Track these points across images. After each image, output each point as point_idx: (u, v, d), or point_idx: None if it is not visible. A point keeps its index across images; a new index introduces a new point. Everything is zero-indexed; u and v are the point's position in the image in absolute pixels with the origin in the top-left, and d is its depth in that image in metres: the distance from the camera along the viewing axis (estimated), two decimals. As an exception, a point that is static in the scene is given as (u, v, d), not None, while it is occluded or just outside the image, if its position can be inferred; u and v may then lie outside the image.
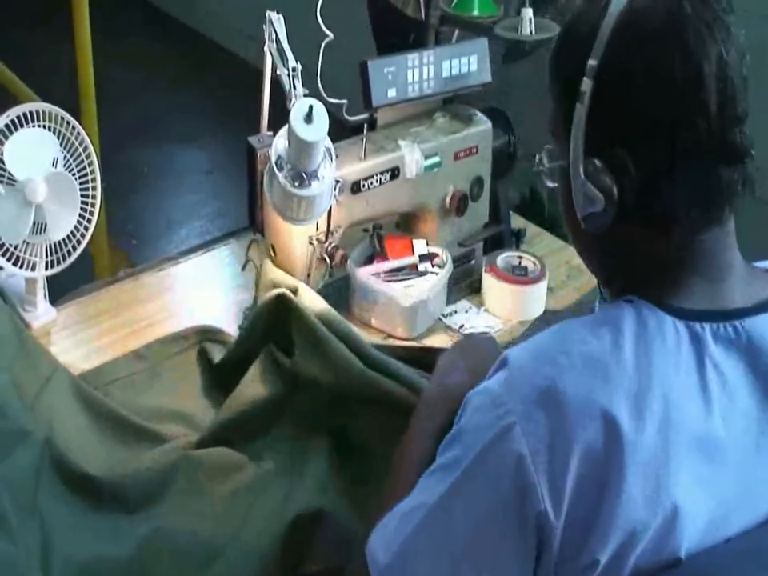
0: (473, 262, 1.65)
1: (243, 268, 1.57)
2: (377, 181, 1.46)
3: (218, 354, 1.40)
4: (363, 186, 1.44)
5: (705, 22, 0.78)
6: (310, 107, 1.21)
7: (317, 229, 1.41)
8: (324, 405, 1.27)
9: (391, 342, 1.44)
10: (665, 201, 0.81)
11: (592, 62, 0.80)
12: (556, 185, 0.91)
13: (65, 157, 1.41)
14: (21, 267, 1.40)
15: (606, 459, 0.76)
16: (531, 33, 1.53)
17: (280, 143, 1.28)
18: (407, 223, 1.61)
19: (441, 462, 0.85)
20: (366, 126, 1.46)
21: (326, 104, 1.28)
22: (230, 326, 1.50)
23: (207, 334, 1.46)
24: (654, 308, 0.82)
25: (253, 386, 1.28)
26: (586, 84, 0.80)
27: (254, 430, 1.26)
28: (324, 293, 1.53)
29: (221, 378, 1.36)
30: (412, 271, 1.54)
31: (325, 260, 1.44)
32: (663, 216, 0.82)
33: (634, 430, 0.76)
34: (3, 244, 1.37)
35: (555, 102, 0.87)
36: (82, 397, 1.28)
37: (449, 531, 0.81)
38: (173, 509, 1.15)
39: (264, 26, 1.43)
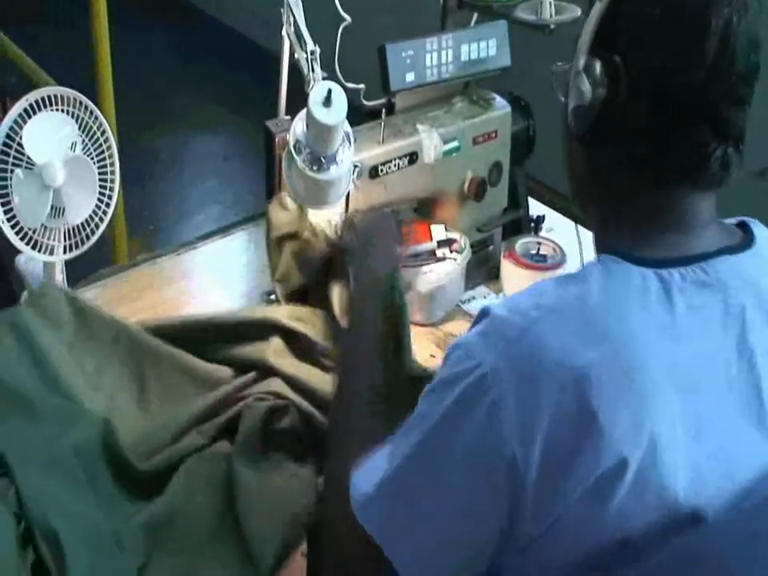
0: (491, 247, 1.64)
1: None
2: (395, 165, 1.45)
3: None
4: (381, 170, 1.44)
5: None
6: (329, 90, 1.21)
7: (335, 213, 1.41)
8: None
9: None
10: (644, 134, 0.84)
11: None
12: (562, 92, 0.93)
13: (83, 141, 1.41)
14: (39, 251, 1.40)
15: (578, 407, 0.77)
16: (551, 15, 1.52)
17: (298, 127, 1.27)
18: (425, 208, 1.60)
19: (420, 410, 0.87)
20: (384, 110, 1.46)
21: (344, 89, 1.27)
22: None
23: None
24: (620, 260, 0.84)
25: None
26: None
27: None
28: (342, 278, 1.53)
29: None
30: (430, 257, 1.54)
31: (342, 245, 1.43)
32: (642, 154, 0.85)
33: (603, 376, 0.78)
34: (22, 228, 1.37)
35: (589, 5, 0.89)
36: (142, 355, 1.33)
37: (427, 475, 0.84)
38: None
39: (281, 10, 1.42)
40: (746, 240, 0.88)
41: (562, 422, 0.78)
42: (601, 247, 0.91)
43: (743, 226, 0.91)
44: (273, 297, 1.50)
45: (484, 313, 0.86)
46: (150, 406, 1.29)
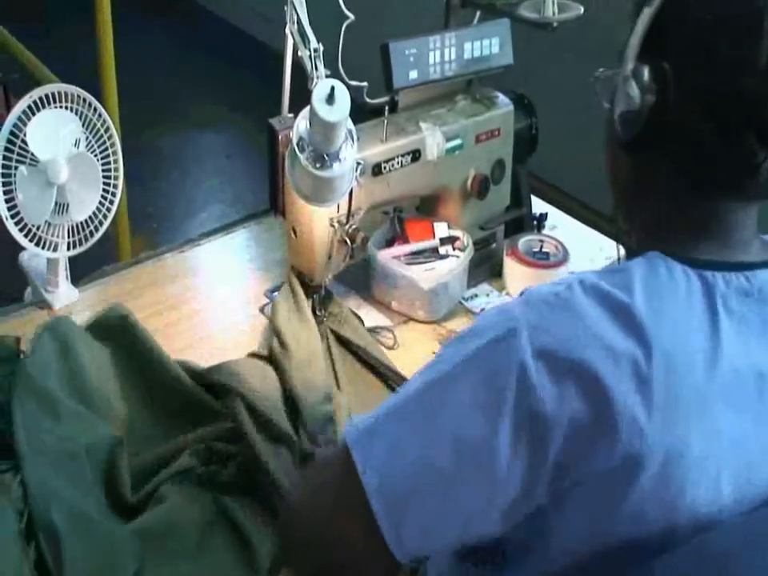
0: (494, 245, 1.64)
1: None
2: (398, 163, 1.45)
3: None
4: (384, 168, 1.44)
5: None
6: (332, 88, 1.21)
7: (338, 211, 1.41)
8: None
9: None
10: (692, 141, 0.83)
11: None
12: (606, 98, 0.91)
13: (87, 138, 1.42)
14: (43, 248, 1.41)
15: (611, 390, 0.77)
16: (554, 13, 1.52)
17: (302, 124, 1.27)
18: (428, 206, 1.61)
19: (440, 355, 0.85)
20: (387, 108, 1.46)
21: (347, 86, 1.28)
22: (251, 308, 1.50)
23: None
24: (665, 257, 0.84)
25: None
26: None
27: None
28: (344, 275, 1.53)
29: None
30: (433, 254, 1.54)
31: (345, 242, 1.44)
32: (689, 162, 0.84)
33: (643, 368, 0.77)
34: (26, 224, 1.37)
35: (631, 15, 0.88)
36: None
37: (436, 410, 0.81)
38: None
39: (285, 8, 1.42)
40: None
41: (591, 398, 0.77)
42: (642, 249, 0.89)
43: None
44: (275, 294, 1.50)
45: (524, 291, 0.85)
46: (159, 433, 1.27)
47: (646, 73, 0.83)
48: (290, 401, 1.29)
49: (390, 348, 1.46)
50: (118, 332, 1.34)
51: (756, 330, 0.83)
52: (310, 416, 1.26)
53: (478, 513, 0.80)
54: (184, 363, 1.33)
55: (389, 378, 1.39)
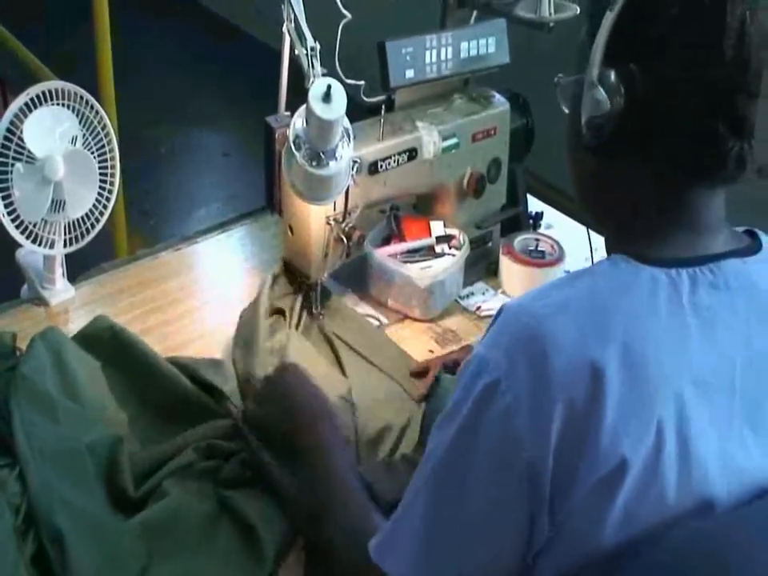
0: (490, 244, 1.65)
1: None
2: (394, 162, 1.46)
3: None
4: (381, 166, 1.44)
5: None
6: (328, 86, 1.21)
7: (334, 209, 1.41)
8: None
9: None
10: (662, 137, 0.84)
11: None
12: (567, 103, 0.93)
13: (83, 135, 1.42)
14: (39, 245, 1.41)
15: (588, 404, 0.78)
16: (550, 14, 1.52)
17: (298, 122, 1.27)
18: (425, 204, 1.61)
19: (433, 442, 0.87)
20: (383, 106, 1.46)
21: (344, 85, 1.28)
22: (247, 306, 1.50)
23: None
24: (630, 259, 0.85)
25: None
26: None
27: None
28: (341, 273, 1.54)
29: None
30: (429, 252, 1.55)
31: (342, 240, 1.44)
32: (659, 157, 0.85)
33: (612, 373, 0.78)
34: (22, 221, 1.37)
35: (588, 15, 0.89)
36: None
37: (449, 491, 0.84)
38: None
39: (282, 6, 1.43)
40: (753, 246, 0.89)
41: (574, 419, 0.78)
42: (611, 249, 0.91)
43: (751, 234, 0.91)
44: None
45: (499, 312, 0.86)
46: (157, 436, 1.26)
47: (612, 76, 0.83)
48: None
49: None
50: (107, 343, 1.34)
51: (726, 322, 0.84)
52: None
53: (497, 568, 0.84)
54: (174, 359, 1.33)
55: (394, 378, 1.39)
